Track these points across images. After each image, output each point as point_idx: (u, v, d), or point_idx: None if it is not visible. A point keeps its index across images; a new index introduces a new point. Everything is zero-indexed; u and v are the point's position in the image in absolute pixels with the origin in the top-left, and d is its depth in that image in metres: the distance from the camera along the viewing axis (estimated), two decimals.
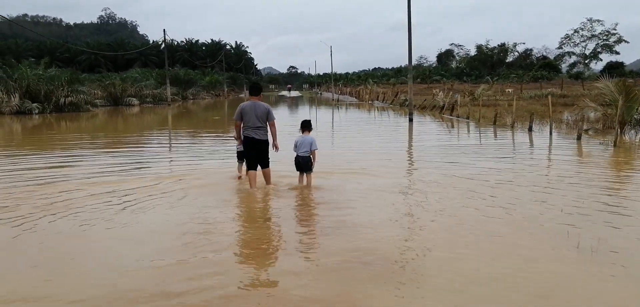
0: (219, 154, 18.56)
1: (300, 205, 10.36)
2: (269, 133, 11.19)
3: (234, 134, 12.13)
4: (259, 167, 11.29)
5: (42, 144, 21.61)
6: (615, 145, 17.20)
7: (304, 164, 11.23)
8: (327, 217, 9.00)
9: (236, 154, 12.71)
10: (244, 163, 11.69)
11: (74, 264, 6.74)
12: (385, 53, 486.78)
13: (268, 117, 10.97)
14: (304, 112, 48.91)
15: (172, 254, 7.04)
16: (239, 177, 12.41)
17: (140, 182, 12.41)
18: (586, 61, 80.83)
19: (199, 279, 6.11)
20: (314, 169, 11.45)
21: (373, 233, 7.92)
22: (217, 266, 6.62)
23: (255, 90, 11.39)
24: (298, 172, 11.51)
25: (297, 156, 11.24)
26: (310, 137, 11.30)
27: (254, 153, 11.09)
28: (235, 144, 12.61)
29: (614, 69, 74.48)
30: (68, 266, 6.64)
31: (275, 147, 11.25)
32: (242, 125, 11.12)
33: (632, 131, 20.20)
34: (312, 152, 11.26)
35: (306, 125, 11.43)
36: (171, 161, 17.37)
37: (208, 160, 17.08)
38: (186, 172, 13.95)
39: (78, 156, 17.67)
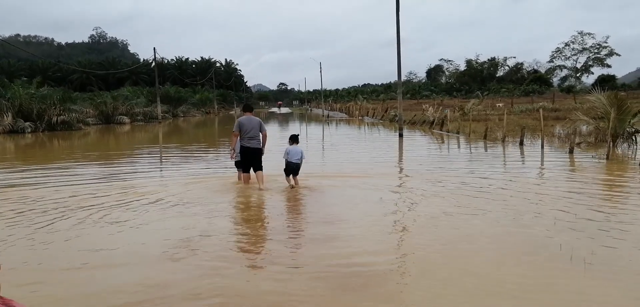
0: (213, 164, 19.61)
1: (292, 214, 10.59)
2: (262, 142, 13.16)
3: (231, 144, 13.92)
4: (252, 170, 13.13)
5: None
6: (607, 158, 17.22)
7: (296, 169, 13.11)
8: (317, 227, 9.19)
9: (234, 164, 14.12)
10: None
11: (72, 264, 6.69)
12: (375, 69, 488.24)
13: (261, 129, 13.04)
14: (294, 128, 48.97)
15: (162, 260, 7.20)
16: (238, 181, 13.73)
17: (134, 191, 13.08)
18: (577, 75, 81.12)
19: (188, 286, 6.13)
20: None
21: (363, 243, 7.95)
22: (206, 271, 6.73)
23: (248, 107, 13.56)
24: (285, 175, 13.23)
25: (291, 162, 13.02)
26: (299, 148, 13.31)
27: (250, 159, 13.01)
28: (232, 156, 14.06)
29: (606, 82, 74.75)
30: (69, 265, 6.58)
31: (262, 151, 13.21)
32: (240, 136, 12.98)
33: (625, 144, 20.21)
34: (302, 162, 13.22)
35: (295, 138, 13.46)
36: (164, 170, 17.69)
37: (202, 169, 17.93)
38: (182, 180, 14.86)
39: (82, 168, 17.69)
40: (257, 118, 13.14)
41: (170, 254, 7.54)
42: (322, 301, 5.74)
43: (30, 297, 5.91)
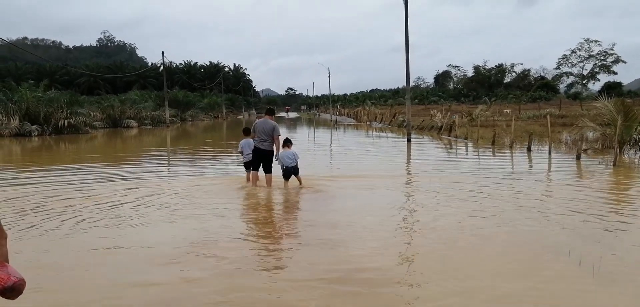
0: (222, 167, 19.92)
1: (298, 217, 10.72)
2: (274, 145, 13.49)
3: (239, 149, 14.80)
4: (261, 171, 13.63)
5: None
6: (614, 164, 17.19)
7: (293, 170, 13.61)
8: (323, 230, 9.18)
9: (243, 165, 14.61)
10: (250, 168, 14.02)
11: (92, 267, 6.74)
12: (383, 74, 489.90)
13: (273, 133, 13.36)
14: (303, 133, 49.03)
15: (172, 262, 7.25)
16: (247, 182, 14.18)
17: (140, 192, 13.19)
18: (584, 81, 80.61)
19: (192, 289, 6.16)
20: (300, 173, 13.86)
21: (369, 247, 7.97)
22: (210, 275, 6.78)
23: (269, 111, 14.14)
24: (284, 179, 13.67)
25: (287, 167, 13.54)
26: (291, 150, 13.76)
27: (260, 160, 13.51)
28: (241, 157, 14.70)
29: (612, 89, 74.30)
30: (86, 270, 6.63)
31: (276, 156, 13.60)
32: (255, 137, 13.54)
33: (632, 151, 20.18)
34: (297, 162, 13.67)
35: (288, 142, 13.92)
36: (174, 172, 17.76)
37: (210, 171, 18.09)
38: (190, 182, 15.21)
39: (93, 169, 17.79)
40: (272, 122, 13.56)
41: (175, 256, 7.57)
42: (327, 305, 5.77)
43: (30, 300, 5.95)
